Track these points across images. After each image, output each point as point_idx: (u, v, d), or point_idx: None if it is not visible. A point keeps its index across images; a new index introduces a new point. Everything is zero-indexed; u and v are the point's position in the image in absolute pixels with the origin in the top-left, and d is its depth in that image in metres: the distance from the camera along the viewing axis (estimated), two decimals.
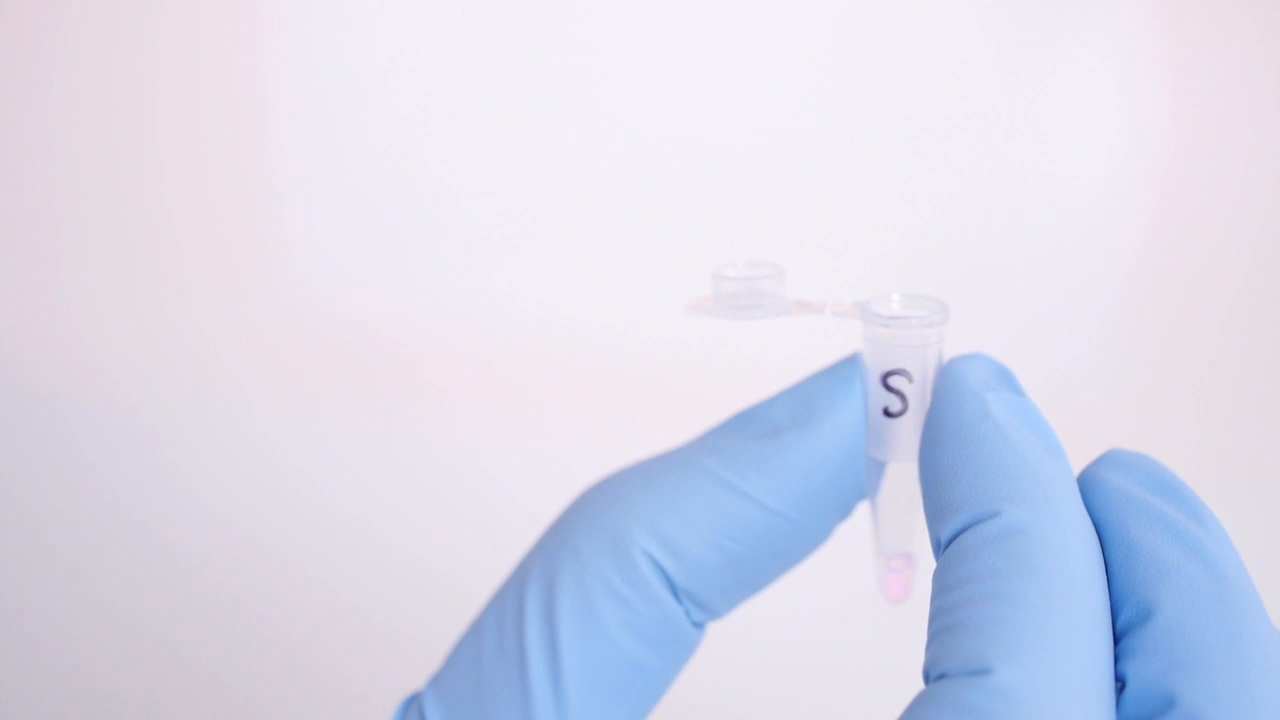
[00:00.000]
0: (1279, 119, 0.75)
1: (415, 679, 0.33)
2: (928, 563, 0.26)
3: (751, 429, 0.29)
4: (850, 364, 0.30)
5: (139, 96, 0.81)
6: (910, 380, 0.29)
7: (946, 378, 0.28)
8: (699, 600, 0.29)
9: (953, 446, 0.26)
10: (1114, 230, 0.76)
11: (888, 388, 0.29)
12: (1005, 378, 0.28)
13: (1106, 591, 0.24)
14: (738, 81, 0.78)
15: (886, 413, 0.29)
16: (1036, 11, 0.76)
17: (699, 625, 0.30)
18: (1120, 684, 0.23)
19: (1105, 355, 0.72)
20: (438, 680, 0.30)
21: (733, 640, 0.40)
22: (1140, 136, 0.77)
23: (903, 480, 0.30)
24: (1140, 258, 0.75)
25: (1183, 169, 0.75)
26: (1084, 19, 0.76)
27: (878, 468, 0.30)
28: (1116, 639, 0.23)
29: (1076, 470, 0.26)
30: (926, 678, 0.23)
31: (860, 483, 0.29)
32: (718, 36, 0.79)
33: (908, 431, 0.29)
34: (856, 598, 0.40)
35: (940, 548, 0.25)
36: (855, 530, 0.31)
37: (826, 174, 0.76)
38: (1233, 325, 0.72)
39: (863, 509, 0.30)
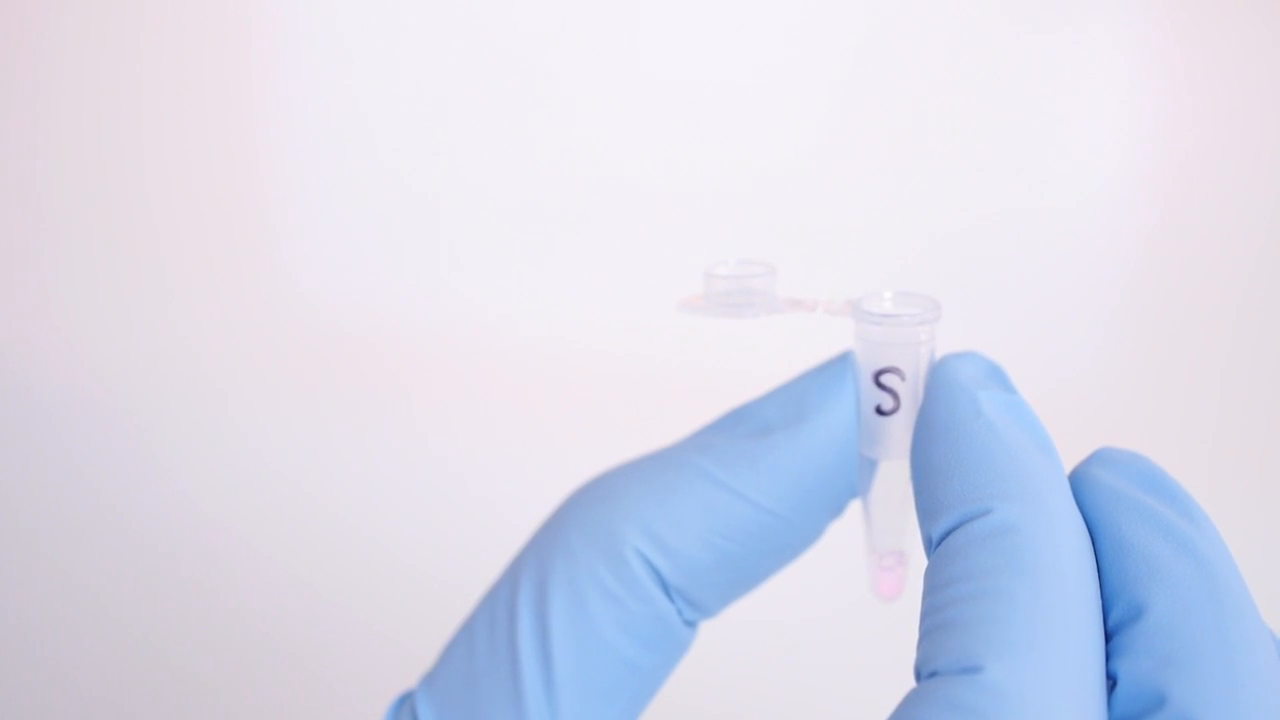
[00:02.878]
0: None
1: (408, 678, 0.33)
2: (920, 561, 0.26)
3: (743, 427, 0.29)
4: (842, 362, 0.30)
5: (124, 97, 0.81)
6: (902, 378, 0.29)
7: (938, 375, 0.27)
8: (691, 599, 0.29)
9: (945, 444, 0.26)
10: (1117, 233, 0.76)
11: (880, 386, 0.29)
12: (997, 375, 0.28)
13: (1098, 589, 0.24)
14: (735, 80, 0.78)
15: (879, 411, 0.29)
16: (1042, 15, 0.76)
17: (691, 624, 0.30)
18: (1111, 682, 0.23)
19: (1109, 359, 0.72)
20: (430, 679, 0.30)
21: (725, 639, 0.40)
22: (1146, 140, 0.77)
23: (895, 478, 0.30)
24: (1144, 261, 0.75)
25: (1188, 172, 0.75)
26: (1090, 22, 0.76)
27: (870, 466, 0.30)
28: (1108, 637, 0.23)
29: (1068, 468, 0.26)
30: (918, 675, 0.23)
31: (852, 481, 0.29)
32: (712, 35, 0.79)
33: (900, 429, 0.29)
34: (849, 596, 0.40)
35: (932, 545, 0.25)
36: (847, 528, 0.31)
37: (825, 174, 0.76)
38: (1236, 329, 0.72)
39: (855, 507, 0.30)
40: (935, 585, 0.24)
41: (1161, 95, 0.77)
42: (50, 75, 0.81)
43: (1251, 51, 0.75)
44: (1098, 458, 0.26)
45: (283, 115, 0.81)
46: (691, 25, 0.79)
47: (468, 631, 0.30)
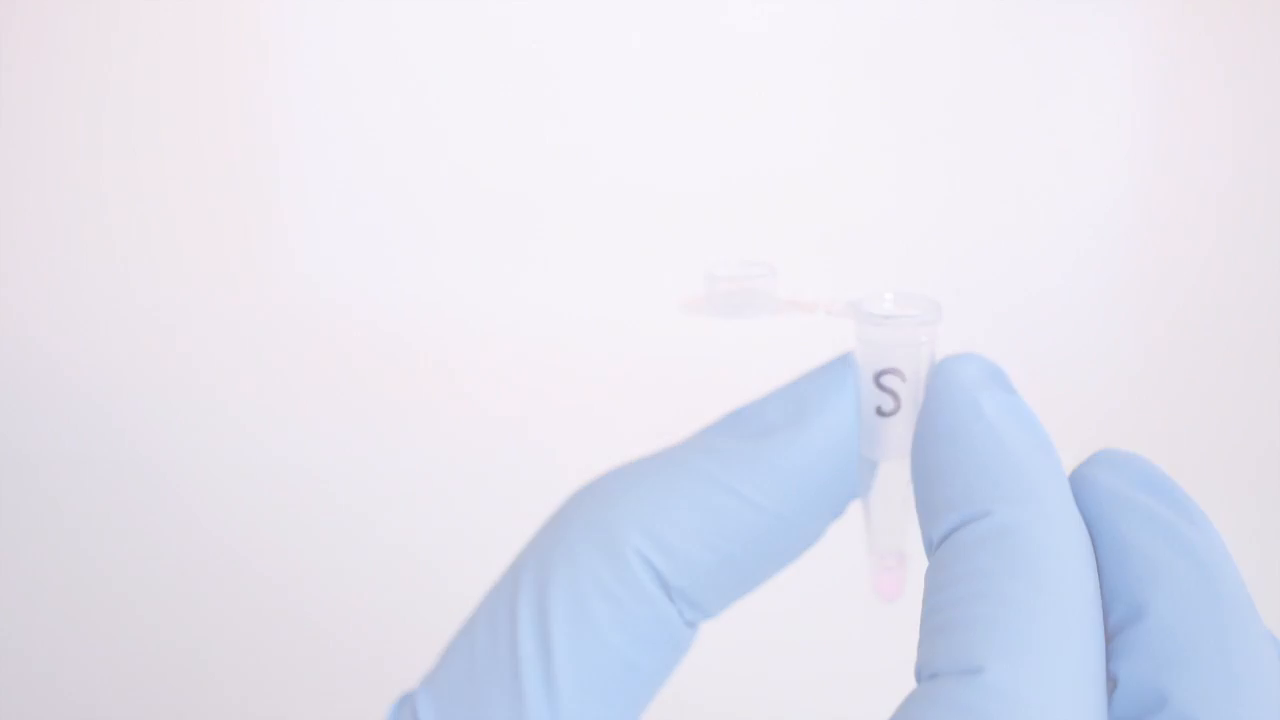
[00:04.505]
0: None
1: (409, 677, 0.33)
2: (921, 562, 0.26)
3: (744, 428, 0.29)
4: (843, 363, 0.30)
5: (137, 91, 0.81)
6: (903, 379, 0.29)
7: (939, 377, 0.28)
8: (692, 599, 0.29)
9: (945, 446, 0.26)
10: (1115, 234, 0.76)
11: (880, 387, 0.29)
12: (998, 377, 0.28)
13: (1098, 591, 0.24)
14: (736, 84, 0.78)
15: (879, 412, 0.29)
16: (1044, 19, 0.76)
17: (692, 624, 0.30)
18: (1112, 683, 0.23)
19: (1108, 359, 0.72)
20: (431, 679, 0.30)
21: (726, 639, 0.40)
22: (1145, 141, 0.77)
23: (895, 479, 0.30)
24: (1141, 262, 0.75)
25: (1187, 174, 0.76)
26: (1090, 23, 0.76)
27: (870, 467, 0.30)
28: (1108, 638, 0.23)
29: (1068, 469, 0.26)
30: (918, 677, 0.23)
31: (853, 482, 0.29)
32: (716, 39, 0.79)
33: (900, 430, 0.29)
34: (849, 597, 0.40)
35: (932, 547, 0.25)
36: (848, 529, 0.31)
37: (827, 175, 0.76)
38: (1235, 329, 0.72)
39: (855, 508, 0.30)
40: (936, 586, 0.24)
41: (1160, 97, 0.77)
42: (64, 67, 0.81)
43: (1250, 54, 0.75)
44: (1098, 459, 0.26)
45: (293, 116, 0.81)
46: (696, 28, 0.79)
47: (468, 632, 0.30)
